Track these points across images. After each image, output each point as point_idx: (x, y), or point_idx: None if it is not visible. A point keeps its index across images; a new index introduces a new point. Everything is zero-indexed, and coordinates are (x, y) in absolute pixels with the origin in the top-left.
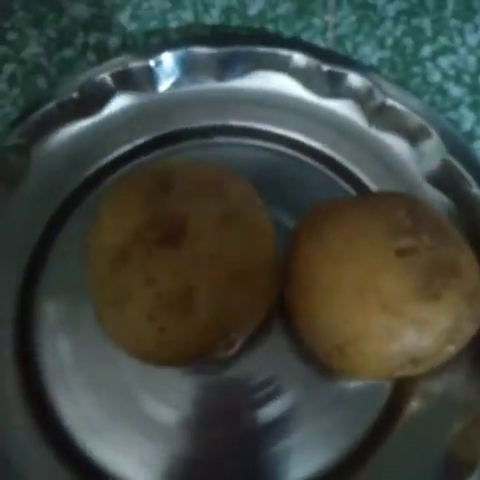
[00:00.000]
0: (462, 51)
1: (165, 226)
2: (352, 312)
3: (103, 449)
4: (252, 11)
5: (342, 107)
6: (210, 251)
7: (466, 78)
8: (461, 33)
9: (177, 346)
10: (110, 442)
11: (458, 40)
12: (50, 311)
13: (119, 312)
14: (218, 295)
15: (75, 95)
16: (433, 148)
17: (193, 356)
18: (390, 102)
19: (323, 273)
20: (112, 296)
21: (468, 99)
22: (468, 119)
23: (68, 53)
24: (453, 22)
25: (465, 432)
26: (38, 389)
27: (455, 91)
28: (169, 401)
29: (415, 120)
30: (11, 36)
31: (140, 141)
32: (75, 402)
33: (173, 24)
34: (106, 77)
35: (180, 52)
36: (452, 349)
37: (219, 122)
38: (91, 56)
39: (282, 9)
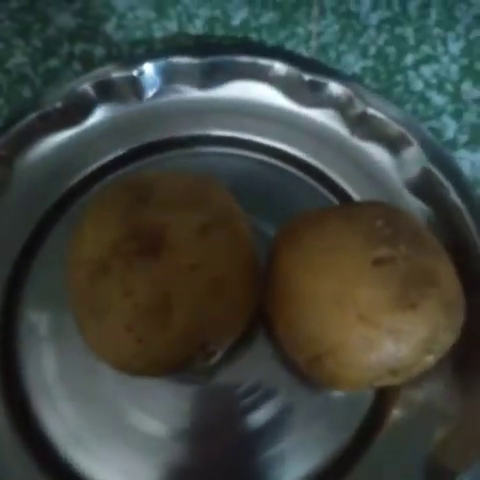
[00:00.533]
0: (445, 60)
1: (144, 237)
2: (330, 323)
3: (87, 460)
4: (235, 21)
5: (323, 116)
6: (189, 262)
7: (448, 87)
8: (444, 42)
9: (154, 357)
10: (94, 453)
11: (441, 49)
12: (34, 321)
13: (98, 323)
14: (196, 306)
15: (59, 105)
16: (414, 156)
17: (171, 367)
18: (371, 111)
19: (302, 283)
20: (92, 308)
21: (450, 108)
22: (450, 127)
23: (53, 63)
24: (436, 31)
25: (446, 440)
26: (21, 399)
27: (437, 100)
28: (154, 412)
29: (396, 129)
30: None
31: (123, 151)
32: (58, 413)
33: (158, 34)
34: (89, 87)
35: (162, 62)
36: (430, 359)
37: (201, 132)
38: (76, 66)
39: (266, 18)
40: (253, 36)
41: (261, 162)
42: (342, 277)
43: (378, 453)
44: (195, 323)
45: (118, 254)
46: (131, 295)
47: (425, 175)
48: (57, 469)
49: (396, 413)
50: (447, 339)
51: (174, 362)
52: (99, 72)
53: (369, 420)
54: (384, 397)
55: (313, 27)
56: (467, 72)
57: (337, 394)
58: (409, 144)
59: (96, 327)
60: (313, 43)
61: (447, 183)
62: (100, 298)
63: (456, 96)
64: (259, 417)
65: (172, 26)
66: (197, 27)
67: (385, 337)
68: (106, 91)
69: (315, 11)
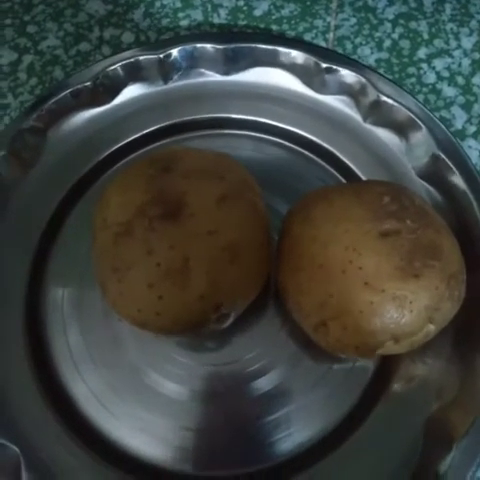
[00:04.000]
0: (457, 54)
1: (166, 203)
2: (336, 288)
3: (107, 419)
4: (258, 12)
5: (338, 102)
6: (206, 227)
7: (459, 79)
8: (457, 37)
9: (173, 314)
10: (113, 412)
11: (454, 43)
12: (58, 292)
13: (121, 281)
14: (213, 269)
15: (88, 84)
16: (423, 142)
17: (188, 325)
18: (383, 98)
19: (311, 253)
20: (115, 266)
21: (460, 99)
22: (460, 118)
23: (84, 46)
24: (449, 26)
25: (443, 411)
26: (46, 362)
27: (448, 91)
28: (170, 374)
29: (406, 116)
30: (31, 29)
31: (148, 130)
32: (81, 375)
33: (183, 23)
34: (118, 68)
35: (188, 47)
36: (432, 329)
37: (222, 114)
38: (106, 50)
39: (286, 11)
40: (274, 27)
41: (277, 145)
42: (349, 246)
43: (377, 421)
44: (211, 285)
45: (142, 217)
46: (153, 254)
47: (433, 160)
48: (78, 426)
49: (395, 386)
50: (448, 309)
51: (191, 321)
52: (128, 54)
53: (369, 392)
54: (384, 370)
55: (331, 20)
56: (478, 66)
57: (339, 367)
58: (419, 130)
59: (119, 285)
60: (331, 35)
61: (454, 169)
62: (123, 257)
63: (467, 88)
64: (265, 383)
65: (197, 15)
66: (221, 17)
67: (389, 303)
68: (134, 72)
69: (334, 4)
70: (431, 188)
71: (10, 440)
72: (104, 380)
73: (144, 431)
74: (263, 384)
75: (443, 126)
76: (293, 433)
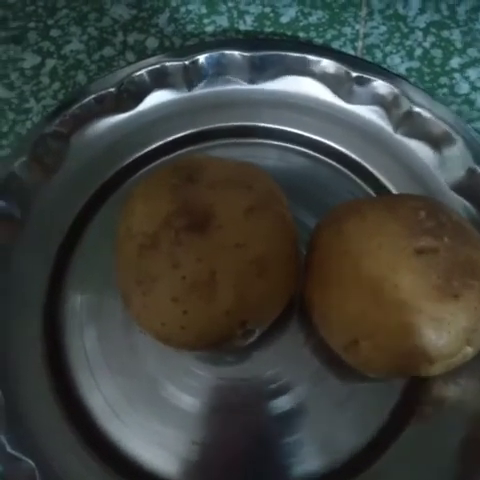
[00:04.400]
0: None
1: (193, 214)
2: (370, 306)
3: (121, 430)
4: (285, 19)
5: (369, 113)
6: (234, 240)
7: None
8: None
9: (198, 329)
10: (128, 424)
11: None
12: (77, 302)
13: (145, 294)
14: (240, 281)
15: (113, 90)
16: (457, 155)
17: (212, 341)
18: (416, 109)
19: (342, 268)
20: (139, 279)
21: None
22: None
23: (108, 51)
24: None
25: (475, 435)
26: (65, 378)
27: None
28: (187, 387)
29: (441, 128)
30: (54, 33)
31: (172, 137)
32: (97, 385)
33: (208, 28)
34: (143, 74)
35: (214, 54)
36: (470, 351)
37: (249, 123)
38: (129, 55)
39: (314, 18)
40: (301, 34)
41: (305, 155)
42: (384, 263)
43: (407, 444)
44: (238, 299)
45: (168, 228)
46: (178, 268)
47: (469, 174)
48: (93, 439)
49: (426, 407)
50: None
51: (215, 336)
52: (153, 60)
53: (398, 412)
54: (414, 389)
55: (360, 28)
56: None
57: (365, 385)
58: (453, 143)
59: (143, 298)
60: (360, 43)
61: None
62: (148, 269)
63: None
64: (285, 401)
65: (222, 21)
66: (247, 23)
67: (426, 324)
68: (160, 79)
69: (363, 12)
70: (467, 202)
71: (26, 454)
72: (120, 390)
73: (158, 445)
74: (283, 402)
75: (479, 138)
76: (313, 457)
